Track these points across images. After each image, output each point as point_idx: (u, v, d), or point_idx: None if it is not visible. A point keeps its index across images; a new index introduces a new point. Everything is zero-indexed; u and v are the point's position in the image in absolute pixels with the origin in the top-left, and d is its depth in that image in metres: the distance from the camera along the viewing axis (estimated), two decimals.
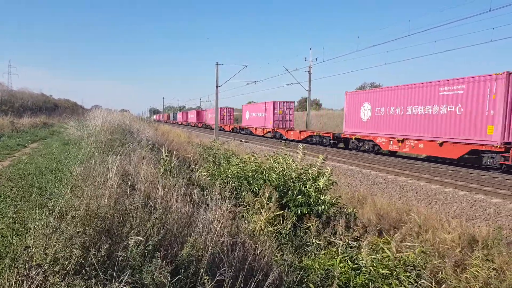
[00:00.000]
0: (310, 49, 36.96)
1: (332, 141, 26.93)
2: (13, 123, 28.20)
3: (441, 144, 17.54)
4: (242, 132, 46.81)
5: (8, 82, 70.65)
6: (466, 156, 16.98)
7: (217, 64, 34.14)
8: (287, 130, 33.81)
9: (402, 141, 19.98)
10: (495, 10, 15.00)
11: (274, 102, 35.46)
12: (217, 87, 35.03)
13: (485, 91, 15.60)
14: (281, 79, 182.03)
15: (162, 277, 2.81)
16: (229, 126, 54.05)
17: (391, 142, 20.84)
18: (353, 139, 24.37)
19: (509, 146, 14.76)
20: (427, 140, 18.35)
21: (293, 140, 32.07)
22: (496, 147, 15.01)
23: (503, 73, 14.86)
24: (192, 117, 71.13)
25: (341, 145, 27.25)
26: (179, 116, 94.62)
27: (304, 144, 9.14)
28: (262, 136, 38.92)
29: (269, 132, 37.32)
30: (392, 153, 22.46)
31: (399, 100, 20.31)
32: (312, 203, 7.00)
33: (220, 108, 52.53)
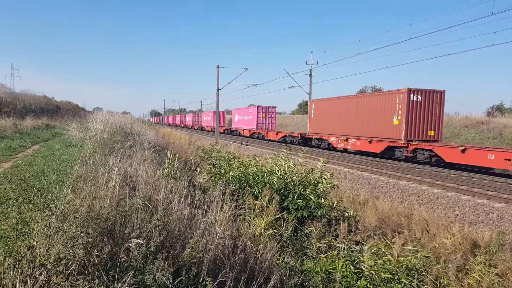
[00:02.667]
0: (311, 52, 36.60)
1: None
2: (16, 124, 28.26)
3: None
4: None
5: (10, 84, 71.15)
6: None
7: (218, 67, 34.16)
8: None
9: None
10: (497, 14, 14.86)
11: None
12: (218, 90, 35.06)
13: None
14: (281, 82, 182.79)
15: (164, 278, 2.81)
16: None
17: None
18: None
19: None
20: None
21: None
22: None
23: None
24: (208, 120, 65.12)
25: None
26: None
27: (307, 148, 9.08)
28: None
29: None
30: None
31: None
32: (312, 206, 7.01)
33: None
